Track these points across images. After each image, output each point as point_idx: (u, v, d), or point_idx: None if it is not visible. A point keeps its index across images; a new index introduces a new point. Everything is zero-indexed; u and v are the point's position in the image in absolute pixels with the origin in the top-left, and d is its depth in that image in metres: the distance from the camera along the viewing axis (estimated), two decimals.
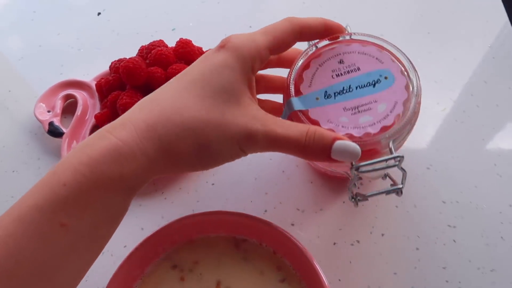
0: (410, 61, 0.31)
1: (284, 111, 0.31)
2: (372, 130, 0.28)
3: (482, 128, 0.43)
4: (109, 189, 0.23)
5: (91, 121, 0.44)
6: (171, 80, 0.27)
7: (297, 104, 0.30)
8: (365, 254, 0.37)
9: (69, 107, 0.47)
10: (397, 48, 0.31)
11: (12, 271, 0.21)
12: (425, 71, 0.47)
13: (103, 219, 0.24)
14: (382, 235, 0.38)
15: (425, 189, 0.40)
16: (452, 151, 0.42)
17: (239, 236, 0.33)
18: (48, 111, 0.46)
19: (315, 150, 0.26)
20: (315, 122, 0.29)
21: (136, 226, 0.40)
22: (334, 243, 0.38)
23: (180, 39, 0.45)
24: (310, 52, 0.32)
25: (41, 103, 0.46)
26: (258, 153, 0.35)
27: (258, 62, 0.27)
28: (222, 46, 0.27)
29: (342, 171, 0.34)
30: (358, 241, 0.38)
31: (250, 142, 0.26)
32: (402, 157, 0.27)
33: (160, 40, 0.45)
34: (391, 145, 0.28)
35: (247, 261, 0.32)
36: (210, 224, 0.32)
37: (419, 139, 0.43)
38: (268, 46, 0.27)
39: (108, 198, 0.23)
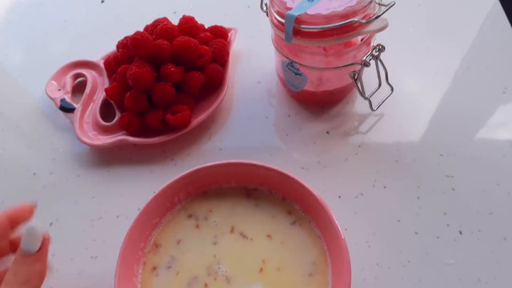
0: None
1: (286, 27, 0.35)
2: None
3: (475, 84, 0.45)
4: None
5: (101, 96, 0.46)
6: None
7: (293, 13, 0.35)
8: (369, 205, 0.39)
9: (78, 86, 0.49)
10: None
11: None
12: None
13: None
14: (384, 187, 0.40)
15: (422, 144, 0.42)
16: (447, 105, 0.44)
17: (250, 185, 0.35)
18: (59, 90, 0.48)
19: None
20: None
21: (149, 190, 0.41)
22: (339, 197, 0.40)
23: (183, 15, 0.47)
24: None
25: (52, 81, 0.48)
26: (265, 123, 0.38)
27: None
28: None
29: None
30: (361, 194, 0.40)
31: None
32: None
33: (164, 17, 0.48)
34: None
35: (259, 207, 0.34)
36: (222, 175, 0.34)
37: (415, 97, 0.45)
38: None
39: None
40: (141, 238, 0.32)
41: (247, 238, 0.32)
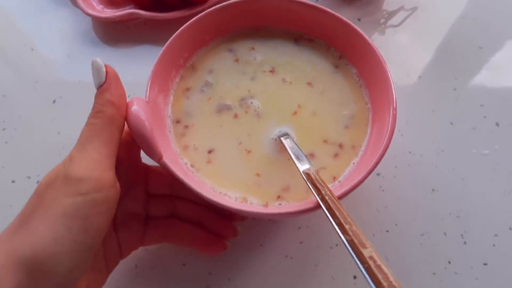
0: None
1: None
2: None
3: None
4: None
5: None
6: None
7: None
8: (402, 94, 0.36)
9: None
10: None
11: None
12: None
13: None
14: (419, 77, 0.37)
15: (461, 36, 0.39)
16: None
17: (298, 31, 0.32)
18: None
19: None
20: None
21: None
22: None
23: None
24: None
25: None
26: None
27: None
28: None
29: None
30: (395, 83, 0.37)
31: None
32: None
33: None
34: None
35: (304, 53, 0.32)
36: (272, 14, 0.31)
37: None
38: None
39: None
40: (188, 46, 0.31)
41: (286, 81, 0.30)
